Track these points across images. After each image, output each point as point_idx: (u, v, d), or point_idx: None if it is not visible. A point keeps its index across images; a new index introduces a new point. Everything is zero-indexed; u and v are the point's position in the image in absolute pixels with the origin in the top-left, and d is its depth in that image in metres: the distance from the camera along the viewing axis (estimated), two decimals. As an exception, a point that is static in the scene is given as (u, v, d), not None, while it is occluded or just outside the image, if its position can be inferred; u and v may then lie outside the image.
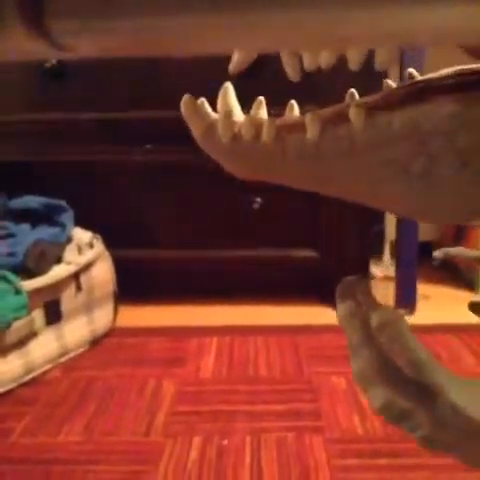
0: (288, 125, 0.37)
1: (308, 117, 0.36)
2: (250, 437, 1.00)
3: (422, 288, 1.59)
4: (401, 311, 0.30)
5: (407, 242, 1.54)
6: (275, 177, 0.39)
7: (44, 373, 1.25)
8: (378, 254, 1.89)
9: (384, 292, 1.61)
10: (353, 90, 0.38)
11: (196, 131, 0.38)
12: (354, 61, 0.33)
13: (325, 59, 0.34)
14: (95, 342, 1.39)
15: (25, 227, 1.39)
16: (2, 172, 1.51)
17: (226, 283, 1.65)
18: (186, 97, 0.38)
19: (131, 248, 1.58)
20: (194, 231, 1.62)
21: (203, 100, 0.38)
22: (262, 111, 0.39)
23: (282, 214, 1.59)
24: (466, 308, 0.61)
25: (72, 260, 1.35)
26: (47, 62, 1.47)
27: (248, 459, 0.93)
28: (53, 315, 1.29)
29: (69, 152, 1.53)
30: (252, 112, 0.38)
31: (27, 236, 1.33)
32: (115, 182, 1.60)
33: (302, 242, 1.59)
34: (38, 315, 1.26)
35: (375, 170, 0.36)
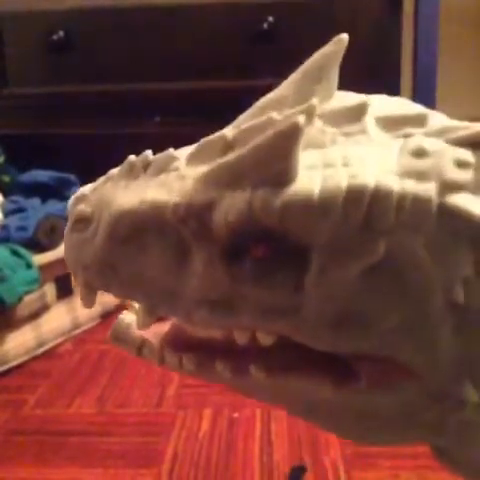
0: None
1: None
2: (260, 409, 1.00)
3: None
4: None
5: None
6: None
7: (56, 346, 1.27)
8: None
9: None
10: None
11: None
12: None
13: None
14: (106, 316, 1.40)
15: (35, 201, 1.39)
16: (11, 145, 1.50)
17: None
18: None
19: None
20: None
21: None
22: None
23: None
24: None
25: (82, 234, 1.35)
26: (54, 34, 1.45)
27: (258, 431, 0.94)
28: (64, 289, 1.30)
29: (78, 125, 1.52)
30: None
31: (37, 210, 1.33)
32: (125, 155, 1.59)
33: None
34: (49, 289, 1.26)
35: None
